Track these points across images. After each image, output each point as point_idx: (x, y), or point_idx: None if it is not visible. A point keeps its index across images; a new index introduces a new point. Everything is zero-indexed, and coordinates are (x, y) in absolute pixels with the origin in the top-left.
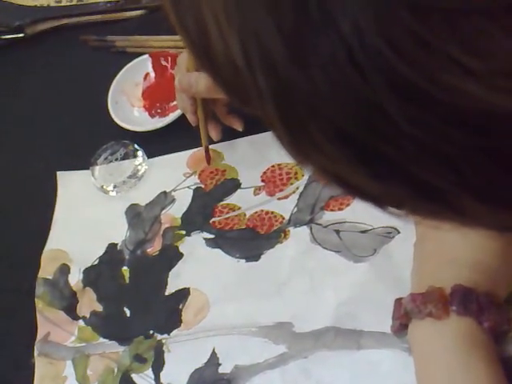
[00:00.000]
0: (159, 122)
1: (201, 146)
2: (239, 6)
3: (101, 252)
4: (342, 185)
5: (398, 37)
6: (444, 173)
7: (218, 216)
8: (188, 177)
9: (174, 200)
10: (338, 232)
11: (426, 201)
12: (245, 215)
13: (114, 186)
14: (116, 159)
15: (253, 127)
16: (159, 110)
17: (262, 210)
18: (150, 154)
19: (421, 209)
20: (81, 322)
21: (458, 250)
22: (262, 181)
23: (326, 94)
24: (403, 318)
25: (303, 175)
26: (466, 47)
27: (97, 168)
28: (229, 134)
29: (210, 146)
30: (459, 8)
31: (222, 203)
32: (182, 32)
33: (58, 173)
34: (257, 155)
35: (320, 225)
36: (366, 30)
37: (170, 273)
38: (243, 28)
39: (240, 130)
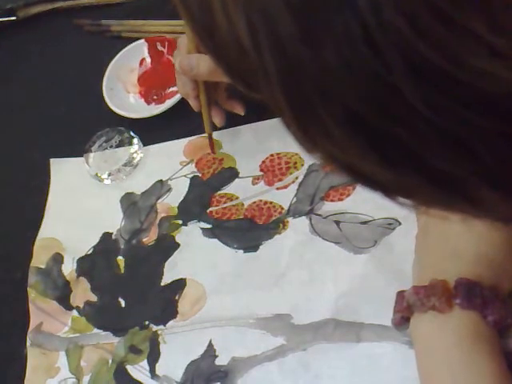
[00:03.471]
0: (155, 109)
1: (199, 133)
2: None
3: (95, 241)
4: (352, 173)
5: (420, 13)
6: (461, 160)
7: (216, 205)
8: (185, 165)
9: (170, 189)
10: (337, 223)
11: (440, 190)
12: (243, 205)
13: (109, 174)
14: (111, 146)
15: (252, 115)
16: (155, 97)
17: (261, 200)
18: (146, 141)
19: (433, 199)
20: (74, 313)
21: (461, 243)
22: (261, 170)
23: (337, 74)
24: (405, 310)
25: (303, 165)
26: (493, 25)
27: (91, 155)
28: (227, 122)
29: None
30: None
31: (219, 192)
32: (184, 11)
33: (51, 160)
34: (255, 144)
35: (320, 215)
36: (384, 6)
37: (166, 263)
38: (249, 3)
39: (242, 114)
